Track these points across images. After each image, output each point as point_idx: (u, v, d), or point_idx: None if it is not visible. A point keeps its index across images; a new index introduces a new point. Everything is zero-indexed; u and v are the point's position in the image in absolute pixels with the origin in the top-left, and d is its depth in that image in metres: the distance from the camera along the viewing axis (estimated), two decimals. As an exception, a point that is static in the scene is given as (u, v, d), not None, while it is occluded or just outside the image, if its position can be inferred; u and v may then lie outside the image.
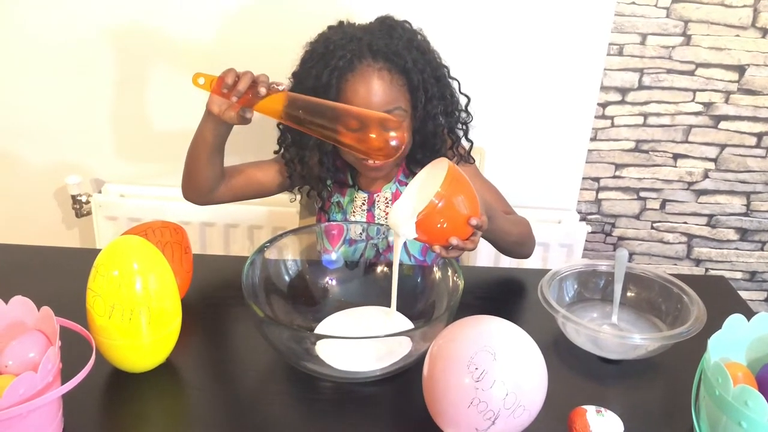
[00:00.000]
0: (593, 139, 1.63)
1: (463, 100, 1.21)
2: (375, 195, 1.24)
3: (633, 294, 1.08)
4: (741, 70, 1.56)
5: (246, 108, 1.00)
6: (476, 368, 0.76)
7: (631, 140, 1.64)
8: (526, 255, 1.25)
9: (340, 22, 1.16)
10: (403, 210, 0.95)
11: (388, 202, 1.23)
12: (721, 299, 1.14)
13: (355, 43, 1.11)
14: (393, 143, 0.96)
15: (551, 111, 1.58)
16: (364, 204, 1.24)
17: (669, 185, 1.69)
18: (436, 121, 1.16)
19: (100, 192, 1.63)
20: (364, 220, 1.17)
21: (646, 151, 1.65)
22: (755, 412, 0.75)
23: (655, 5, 1.50)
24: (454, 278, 0.99)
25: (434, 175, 0.92)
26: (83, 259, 0.93)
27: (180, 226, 1.06)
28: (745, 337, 0.89)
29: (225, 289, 1.13)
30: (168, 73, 1.53)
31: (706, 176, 1.68)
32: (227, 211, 1.60)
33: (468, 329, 0.82)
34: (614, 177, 1.68)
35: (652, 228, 1.75)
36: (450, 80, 1.19)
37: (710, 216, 1.72)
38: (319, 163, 1.20)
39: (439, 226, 0.90)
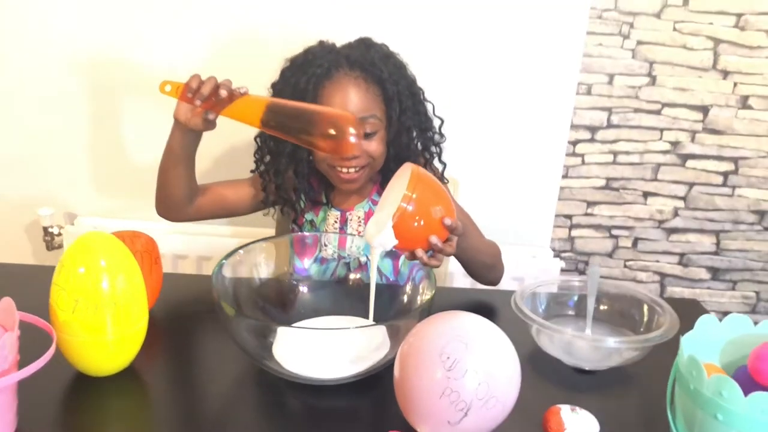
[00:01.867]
0: (565, 176, 1.66)
1: (436, 123, 1.24)
2: (348, 213, 1.25)
3: (606, 308, 1.07)
4: (705, 110, 1.61)
5: (209, 111, 1.02)
6: (448, 357, 0.75)
7: (602, 178, 1.67)
8: (495, 280, 1.26)
9: (320, 41, 1.20)
10: (378, 222, 0.95)
11: (360, 221, 1.24)
12: (695, 318, 1.14)
13: (334, 54, 1.16)
14: (352, 139, 0.98)
15: (523, 148, 1.61)
16: (336, 222, 1.24)
17: (640, 223, 1.71)
18: (410, 135, 1.18)
19: (72, 224, 1.61)
20: (336, 237, 1.17)
21: (617, 189, 1.68)
22: (731, 402, 0.74)
23: (621, 47, 1.56)
24: (425, 293, 0.98)
25: (402, 181, 0.93)
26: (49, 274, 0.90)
27: (150, 237, 1.05)
28: (718, 339, 0.88)
29: (194, 303, 1.12)
30: (143, 106, 1.54)
31: (676, 214, 1.70)
32: (200, 244, 1.59)
33: (440, 322, 0.80)
34: (586, 214, 1.70)
35: (625, 266, 1.76)
36: (425, 101, 1.22)
37: (681, 255, 1.74)
38: (294, 174, 1.21)
39: (415, 224, 0.90)
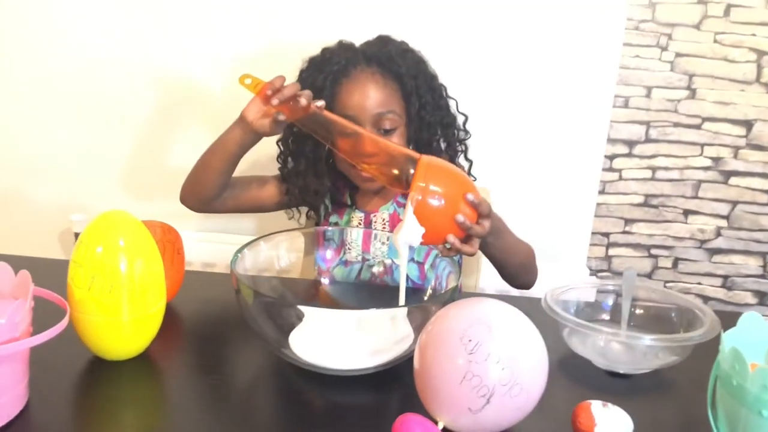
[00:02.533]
0: (601, 192, 1.62)
1: (460, 119, 1.22)
2: (372, 215, 1.23)
3: (642, 312, 1.02)
4: (748, 125, 1.56)
5: (281, 113, 1.00)
6: (470, 340, 0.71)
7: (640, 194, 1.62)
8: (529, 282, 1.21)
9: (339, 41, 1.19)
10: (402, 222, 0.92)
11: (385, 223, 1.21)
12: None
13: (351, 51, 1.16)
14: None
15: (558, 161, 1.57)
16: (360, 224, 1.22)
17: (681, 243, 1.65)
18: (431, 131, 1.16)
19: (103, 231, 1.62)
20: (360, 239, 1.15)
21: (656, 206, 1.63)
22: (776, 397, 0.68)
23: (659, 59, 1.53)
24: (450, 284, 0.94)
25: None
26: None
27: (173, 227, 1.04)
28: (763, 338, 0.83)
29: (215, 298, 1.10)
30: (177, 114, 1.56)
31: (719, 234, 1.64)
32: (228, 253, 1.57)
33: (461, 306, 0.77)
34: (624, 232, 1.65)
35: (655, 298, 1.69)
36: (447, 97, 1.20)
37: (725, 277, 1.67)
38: (315, 177, 1.19)
39: (436, 204, 0.87)
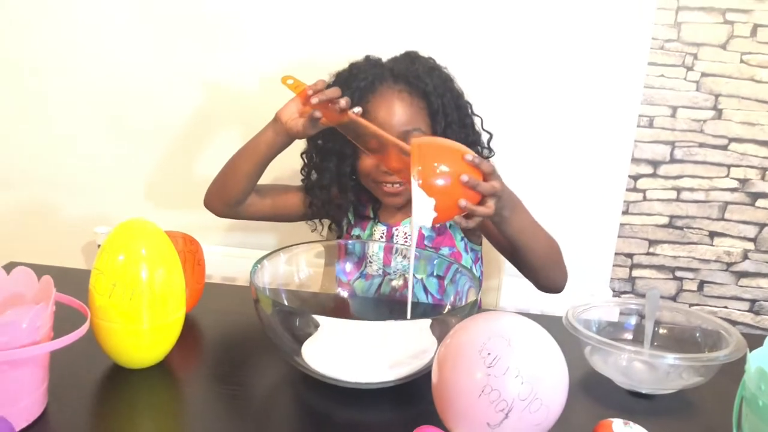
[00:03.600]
0: (625, 212, 1.60)
1: (485, 137, 1.22)
2: (394, 228, 1.22)
3: (665, 332, 1.00)
4: (776, 146, 1.54)
5: (318, 111, 1.02)
6: (488, 353, 0.70)
7: (665, 215, 1.60)
8: (558, 281, 1.15)
9: (366, 56, 1.20)
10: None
11: (407, 237, 1.21)
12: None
13: (378, 68, 1.17)
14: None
15: (581, 181, 1.56)
16: (382, 237, 1.22)
17: (706, 265, 1.62)
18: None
19: (126, 244, 1.64)
20: (381, 253, 1.14)
21: (681, 228, 1.60)
22: (804, 417, 0.66)
23: (685, 78, 1.52)
24: (470, 297, 0.94)
25: None
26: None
27: (195, 238, 1.05)
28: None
29: (234, 309, 1.10)
30: (200, 128, 1.58)
31: (746, 257, 1.61)
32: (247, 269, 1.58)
33: (480, 320, 0.76)
34: (648, 254, 1.63)
35: (679, 318, 1.65)
36: (472, 115, 1.20)
37: (753, 301, 1.64)
38: (339, 191, 1.20)
39: (438, 170, 0.87)
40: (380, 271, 1.15)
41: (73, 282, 0.87)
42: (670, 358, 0.86)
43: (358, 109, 1.03)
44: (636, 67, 1.50)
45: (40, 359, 0.73)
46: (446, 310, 1.02)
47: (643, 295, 1.64)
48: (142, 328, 0.83)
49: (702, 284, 1.63)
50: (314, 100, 1.02)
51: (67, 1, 1.55)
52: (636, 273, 1.64)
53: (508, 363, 0.69)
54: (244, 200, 1.18)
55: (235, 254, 1.58)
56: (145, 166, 1.64)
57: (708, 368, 0.87)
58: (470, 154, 0.89)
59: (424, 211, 0.86)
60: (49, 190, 1.68)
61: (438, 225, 0.93)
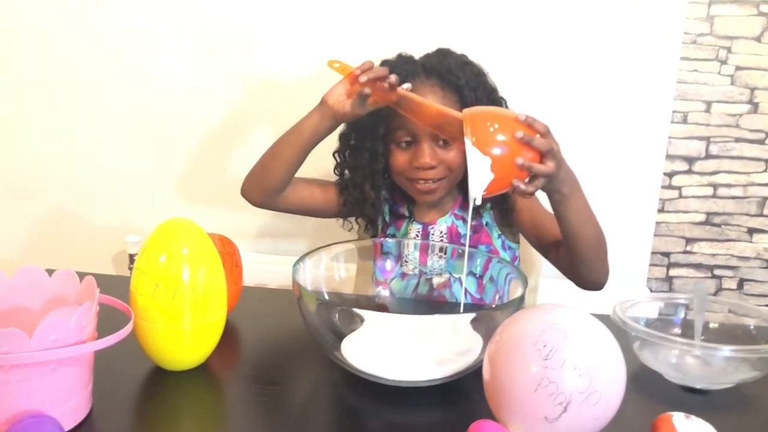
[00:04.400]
0: (661, 210, 1.57)
1: None
2: (429, 227, 1.21)
3: (716, 326, 0.97)
4: (815, 139, 1.51)
5: (367, 88, 1.03)
6: (544, 346, 0.68)
7: (701, 212, 1.57)
8: (601, 278, 1.11)
9: (399, 54, 1.19)
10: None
11: (442, 236, 1.19)
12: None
13: (410, 64, 1.16)
14: None
15: (616, 179, 1.54)
16: (418, 236, 1.21)
17: (746, 263, 1.59)
18: None
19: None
20: (417, 252, 1.13)
21: (719, 225, 1.57)
22: None
23: (719, 72, 1.50)
24: (516, 292, 0.91)
25: None
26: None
27: (230, 240, 1.04)
28: None
29: (273, 313, 1.09)
30: (233, 131, 1.57)
31: (786, 254, 1.58)
32: (283, 274, 1.57)
33: (533, 312, 0.74)
34: (685, 252, 1.59)
35: (730, 311, 1.62)
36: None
37: (794, 300, 1.60)
38: (372, 189, 1.19)
39: (491, 129, 0.86)
40: (416, 271, 1.13)
41: (109, 287, 0.85)
42: (726, 351, 0.83)
43: (407, 85, 1.03)
44: (669, 63, 1.48)
45: (86, 359, 0.72)
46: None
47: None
48: (184, 329, 0.81)
49: (742, 282, 1.60)
50: (363, 78, 1.02)
51: (92, 11, 1.56)
52: (673, 272, 1.60)
53: (565, 355, 0.67)
54: (282, 189, 1.18)
55: (266, 261, 1.57)
56: (174, 173, 1.64)
57: (766, 361, 0.84)
58: (523, 114, 0.87)
59: (479, 172, 0.84)
60: (79, 199, 1.68)
61: (494, 195, 0.90)
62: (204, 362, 0.87)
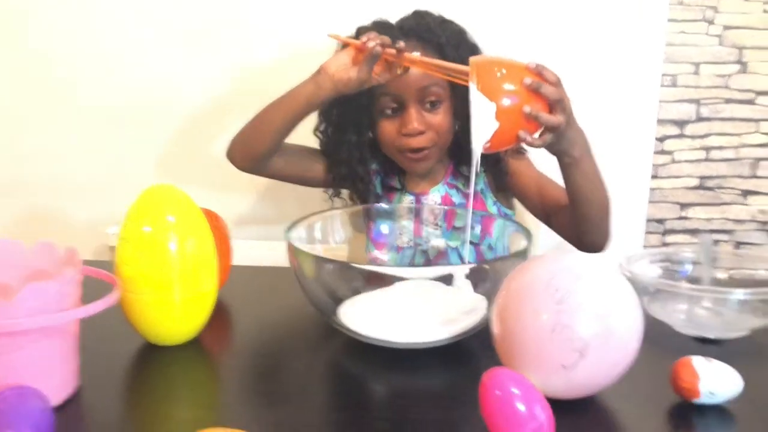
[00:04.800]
0: (654, 176, 1.54)
1: None
2: (422, 197, 1.17)
3: (726, 277, 0.95)
4: (805, 96, 1.49)
5: (378, 47, 0.98)
6: (556, 290, 0.64)
7: (695, 176, 1.54)
8: (605, 239, 1.08)
9: (374, 20, 1.15)
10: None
11: (435, 207, 1.15)
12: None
13: (387, 28, 1.11)
14: None
15: (607, 146, 1.50)
16: (409, 212, 1.16)
17: (741, 225, 1.57)
18: None
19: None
20: (411, 225, 1.09)
21: (712, 188, 1.55)
22: None
23: (706, 33, 1.47)
24: (520, 244, 0.88)
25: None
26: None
27: (218, 214, 0.99)
28: None
29: (265, 288, 1.05)
30: (212, 119, 1.53)
31: (781, 214, 1.56)
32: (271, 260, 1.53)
33: (542, 259, 0.70)
34: (680, 218, 1.57)
35: (730, 276, 1.60)
36: None
37: (791, 260, 1.58)
38: (361, 164, 1.15)
39: (499, 74, 0.82)
40: (411, 243, 1.09)
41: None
42: (739, 294, 0.80)
43: (416, 53, 1.01)
44: (656, 25, 1.45)
45: (70, 330, 0.67)
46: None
47: (678, 262, 1.59)
48: (173, 300, 0.77)
49: (738, 245, 1.57)
50: (371, 44, 0.97)
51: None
52: (669, 239, 1.58)
53: (580, 297, 0.64)
54: (269, 156, 1.13)
55: (251, 246, 1.53)
56: (154, 161, 1.59)
57: (782, 303, 0.81)
58: (533, 63, 0.83)
59: (484, 120, 0.80)
60: (57, 193, 1.62)
61: (498, 150, 0.87)
62: (196, 337, 0.83)
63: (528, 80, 0.82)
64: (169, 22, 1.49)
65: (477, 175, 0.92)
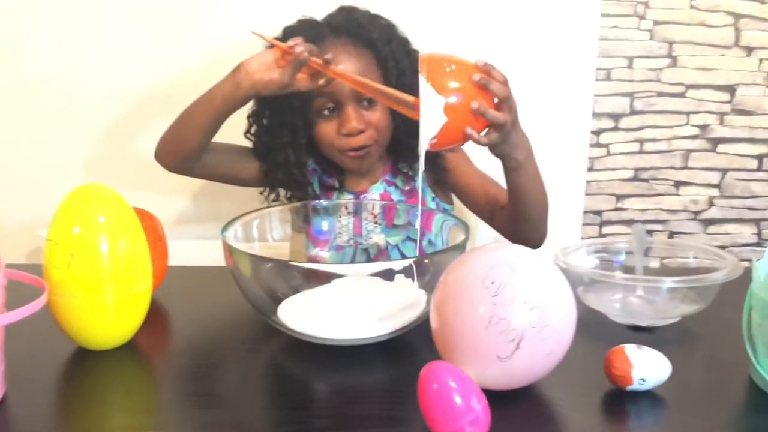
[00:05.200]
0: (590, 169, 1.58)
1: None
2: (362, 196, 1.16)
3: (657, 266, 0.98)
4: (731, 90, 1.55)
5: (305, 53, 0.96)
6: (492, 282, 0.65)
7: (629, 168, 1.59)
8: (543, 237, 1.10)
9: (299, 19, 1.13)
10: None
11: (375, 205, 1.15)
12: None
13: (315, 26, 1.09)
14: None
15: (544, 140, 1.52)
16: (348, 209, 1.16)
17: (674, 215, 1.62)
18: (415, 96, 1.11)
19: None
20: (351, 224, 1.09)
21: (646, 180, 1.60)
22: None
23: (638, 28, 1.51)
24: (458, 237, 0.88)
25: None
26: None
27: (152, 214, 0.97)
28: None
29: (202, 291, 1.03)
30: (148, 121, 1.49)
31: (711, 204, 1.61)
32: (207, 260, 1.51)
33: (480, 251, 0.71)
34: (616, 209, 1.61)
35: (662, 264, 1.65)
36: None
37: (722, 248, 1.63)
38: (298, 166, 1.13)
39: (447, 69, 0.82)
40: (351, 242, 1.09)
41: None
42: (668, 282, 0.83)
43: (342, 67, 0.99)
44: (589, 20, 1.48)
45: (-6, 336, 0.65)
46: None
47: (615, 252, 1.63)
48: (105, 302, 0.75)
49: (672, 235, 1.63)
50: (300, 48, 0.95)
51: None
52: (606, 230, 1.62)
53: (515, 290, 0.65)
54: (197, 156, 1.09)
55: (187, 246, 1.50)
56: (86, 162, 1.55)
57: (708, 290, 0.84)
58: (482, 60, 0.84)
59: (432, 114, 0.79)
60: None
61: (445, 150, 0.87)
62: (130, 341, 0.81)
63: (477, 77, 0.82)
64: (98, 18, 1.45)
65: (405, 183, 0.92)
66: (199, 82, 1.14)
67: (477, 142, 0.85)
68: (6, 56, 1.48)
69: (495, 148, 0.91)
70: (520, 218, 1.05)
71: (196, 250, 1.48)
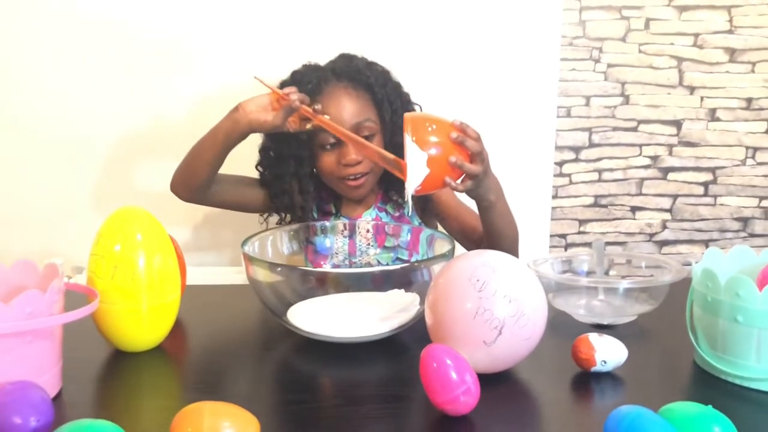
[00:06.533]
0: (555, 196, 1.74)
1: None
2: (356, 222, 1.29)
3: (615, 273, 1.12)
4: (678, 124, 1.72)
5: (297, 101, 1.09)
6: (477, 280, 0.79)
7: (590, 195, 1.75)
8: None
9: (305, 63, 1.29)
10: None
11: (368, 228, 1.28)
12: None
13: (319, 70, 1.25)
14: None
15: (512, 172, 1.67)
16: (345, 229, 1.29)
17: (632, 238, 1.78)
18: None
19: (81, 274, 1.63)
20: (346, 246, 1.22)
21: (605, 206, 1.76)
22: (748, 301, 0.78)
23: (594, 70, 1.69)
24: (444, 247, 1.01)
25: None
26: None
27: (172, 236, 1.09)
28: (725, 270, 0.93)
29: (218, 304, 1.14)
30: (148, 152, 1.60)
31: (665, 227, 1.78)
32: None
33: (464, 257, 0.85)
34: (579, 233, 1.77)
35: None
36: (412, 103, 1.31)
37: (675, 267, 1.80)
38: (301, 194, 1.27)
39: (429, 129, 0.94)
40: (346, 262, 1.21)
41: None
42: (624, 283, 0.98)
43: (328, 117, 1.13)
44: (550, 63, 1.65)
45: (57, 334, 0.75)
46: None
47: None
48: (141, 309, 0.86)
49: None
50: (294, 97, 1.09)
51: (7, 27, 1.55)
52: (570, 251, 1.77)
53: (496, 286, 0.78)
54: (207, 187, 1.23)
55: (203, 272, 1.61)
56: (91, 193, 1.64)
57: (658, 290, 0.98)
58: (458, 120, 0.97)
59: (417, 166, 0.92)
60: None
61: (426, 194, 1.00)
62: (160, 345, 0.92)
63: (454, 135, 0.95)
64: (114, 52, 1.56)
65: (411, 208, 1.08)
66: (196, 117, 1.27)
67: (455, 189, 1.00)
68: (18, 93, 1.58)
69: (470, 192, 1.05)
70: (494, 248, 1.20)
71: (196, 274, 1.58)
